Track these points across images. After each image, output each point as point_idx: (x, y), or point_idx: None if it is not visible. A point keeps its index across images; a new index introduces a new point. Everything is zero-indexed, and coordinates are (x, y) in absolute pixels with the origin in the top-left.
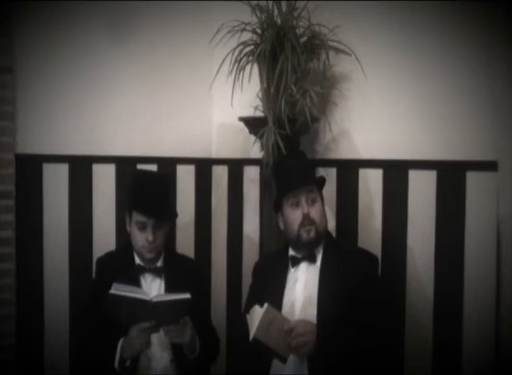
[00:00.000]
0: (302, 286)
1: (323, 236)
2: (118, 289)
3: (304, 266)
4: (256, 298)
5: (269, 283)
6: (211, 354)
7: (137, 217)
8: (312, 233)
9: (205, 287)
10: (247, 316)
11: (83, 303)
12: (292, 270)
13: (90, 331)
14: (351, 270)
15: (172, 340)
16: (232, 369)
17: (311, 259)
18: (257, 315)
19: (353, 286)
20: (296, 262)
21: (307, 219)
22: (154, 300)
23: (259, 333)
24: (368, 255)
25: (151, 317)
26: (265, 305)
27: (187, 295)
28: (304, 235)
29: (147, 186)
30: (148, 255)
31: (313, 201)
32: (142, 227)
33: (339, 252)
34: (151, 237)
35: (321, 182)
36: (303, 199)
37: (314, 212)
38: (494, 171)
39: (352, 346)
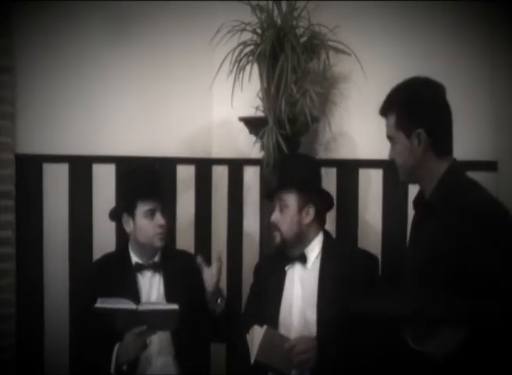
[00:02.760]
0: (300, 287)
1: (293, 243)
2: (103, 303)
3: (299, 266)
4: (256, 298)
5: (268, 284)
6: (229, 321)
7: (144, 207)
8: (277, 239)
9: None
10: (247, 336)
11: (82, 307)
12: (289, 271)
13: (88, 336)
14: (351, 271)
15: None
16: (232, 368)
17: (302, 260)
18: (256, 337)
19: (353, 287)
20: (289, 261)
21: (273, 226)
22: (140, 308)
23: (260, 355)
24: (368, 256)
25: (141, 324)
26: (264, 327)
27: (175, 306)
28: (274, 239)
29: (147, 173)
30: (160, 243)
31: (283, 208)
32: (151, 214)
33: (339, 253)
34: (162, 220)
35: (306, 187)
36: (276, 205)
37: (281, 220)
38: (494, 171)
39: (354, 353)
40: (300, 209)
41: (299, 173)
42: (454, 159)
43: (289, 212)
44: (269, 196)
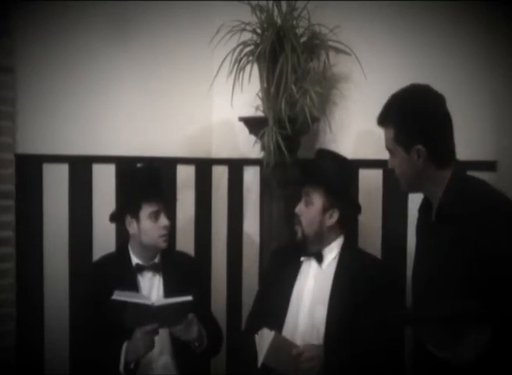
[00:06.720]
0: (313, 282)
1: (311, 241)
2: (119, 295)
3: (314, 263)
4: (268, 287)
5: (282, 274)
6: (217, 346)
7: (149, 208)
8: (298, 234)
9: (204, 280)
10: (256, 337)
11: (83, 308)
12: (304, 264)
13: (90, 337)
14: (364, 280)
15: (182, 338)
16: (232, 368)
17: (318, 259)
18: (265, 340)
19: (364, 295)
20: (306, 255)
21: (296, 218)
22: (156, 304)
23: (268, 359)
24: (384, 267)
25: (154, 320)
26: (273, 332)
27: (189, 297)
28: (295, 233)
29: (150, 174)
30: (164, 244)
31: (308, 204)
32: (156, 216)
33: (356, 260)
34: (167, 221)
35: (333, 189)
36: (303, 198)
37: (305, 214)
38: (493, 171)
39: (360, 358)
40: (325, 210)
41: (329, 174)
42: (456, 164)
43: (313, 210)
44: (295, 185)
